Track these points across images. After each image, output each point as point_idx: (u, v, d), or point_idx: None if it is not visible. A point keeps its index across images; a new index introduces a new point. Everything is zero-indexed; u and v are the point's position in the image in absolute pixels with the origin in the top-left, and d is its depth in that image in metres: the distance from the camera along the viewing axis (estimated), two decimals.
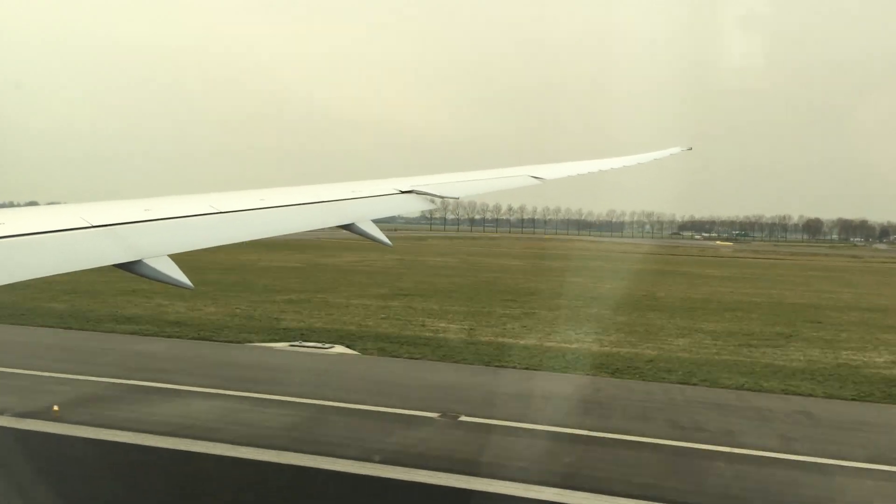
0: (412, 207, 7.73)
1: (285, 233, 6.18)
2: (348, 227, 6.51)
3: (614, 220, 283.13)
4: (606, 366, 17.53)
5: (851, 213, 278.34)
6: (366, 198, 7.23)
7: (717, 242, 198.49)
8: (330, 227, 6.51)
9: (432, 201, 7.95)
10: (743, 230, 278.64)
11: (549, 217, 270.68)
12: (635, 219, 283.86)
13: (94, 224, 4.67)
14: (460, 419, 12.07)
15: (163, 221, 5.14)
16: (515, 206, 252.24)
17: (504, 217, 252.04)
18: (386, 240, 6.76)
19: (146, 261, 4.54)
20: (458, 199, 8.36)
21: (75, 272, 4.27)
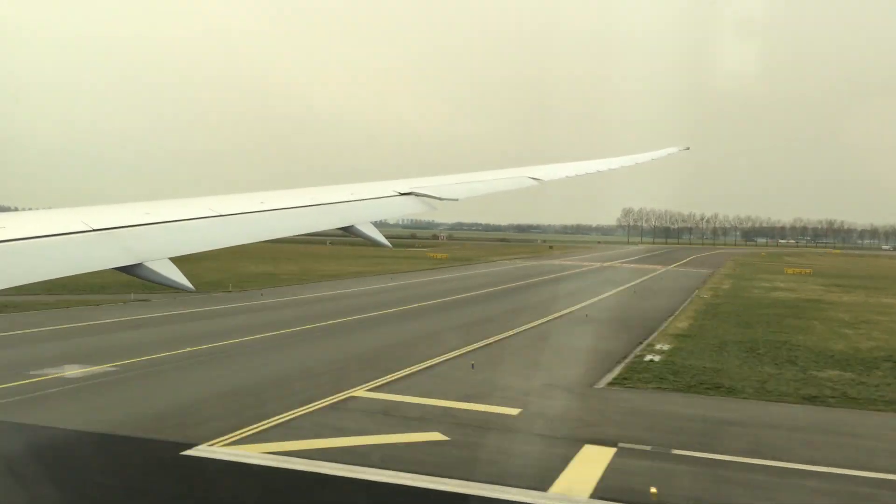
0: (411, 209, 7.69)
1: (285, 235, 6.17)
2: (347, 230, 6.51)
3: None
4: None
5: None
6: (365, 200, 7.21)
7: None
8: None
9: (431, 203, 7.89)
10: (813, 237, 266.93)
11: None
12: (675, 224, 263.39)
13: (95, 228, 4.68)
14: None
15: (163, 225, 5.16)
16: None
17: (494, 223, 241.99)
18: (386, 242, 6.75)
19: (147, 264, 4.57)
20: (456, 200, 8.28)
21: None
